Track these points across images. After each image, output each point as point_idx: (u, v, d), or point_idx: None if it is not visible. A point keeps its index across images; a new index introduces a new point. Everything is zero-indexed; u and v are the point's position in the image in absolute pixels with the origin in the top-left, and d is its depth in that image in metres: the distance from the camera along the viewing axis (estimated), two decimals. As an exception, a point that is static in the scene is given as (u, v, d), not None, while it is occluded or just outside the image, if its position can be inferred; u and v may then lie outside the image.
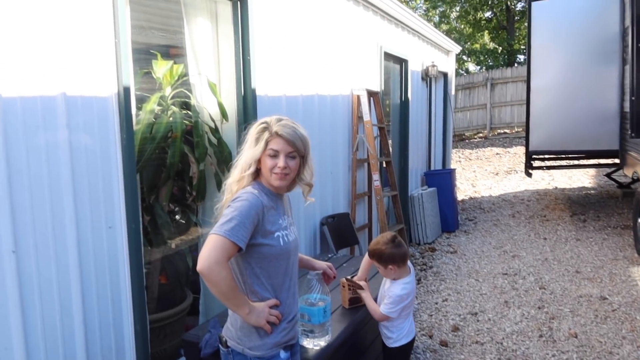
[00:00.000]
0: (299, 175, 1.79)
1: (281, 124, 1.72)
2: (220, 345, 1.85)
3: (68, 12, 2.11)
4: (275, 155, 1.71)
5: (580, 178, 10.48)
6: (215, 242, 1.58)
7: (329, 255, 3.88)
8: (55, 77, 2.07)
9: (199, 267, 1.56)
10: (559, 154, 7.85)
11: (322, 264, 2.19)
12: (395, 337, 2.59)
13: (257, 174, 1.77)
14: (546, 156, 7.99)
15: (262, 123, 1.75)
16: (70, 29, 2.12)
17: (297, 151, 1.73)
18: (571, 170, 10.27)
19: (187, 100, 3.22)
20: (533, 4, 7.20)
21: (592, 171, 10.74)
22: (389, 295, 2.52)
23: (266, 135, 1.72)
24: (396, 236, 2.51)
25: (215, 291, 1.60)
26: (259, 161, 1.74)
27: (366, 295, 2.65)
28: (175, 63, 3.15)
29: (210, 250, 1.56)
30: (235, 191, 1.75)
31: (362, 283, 2.67)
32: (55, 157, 2.08)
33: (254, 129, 1.76)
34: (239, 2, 3.18)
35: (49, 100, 2.05)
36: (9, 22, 1.90)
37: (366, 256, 2.67)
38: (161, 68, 3.06)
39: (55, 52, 2.06)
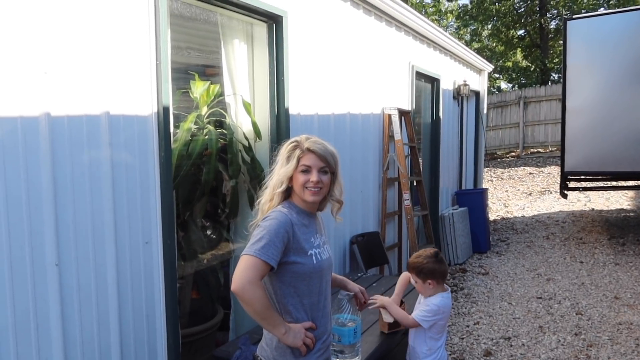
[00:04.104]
0: (329, 192, 1.82)
1: (311, 140, 1.76)
2: (254, 364, 1.86)
3: (113, 34, 2.21)
4: (307, 170, 1.73)
5: (619, 200, 10.13)
6: (247, 262, 1.60)
7: (359, 275, 3.86)
8: (99, 97, 2.16)
9: (233, 287, 1.59)
10: (595, 175, 7.63)
11: (355, 287, 2.18)
12: None
13: (288, 193, 1.80)
14: (582, 177, 7.78)
15: (293, 142, 1.79)
16: (115, 50, 2.22)
17: (329, 166, 1.76)
18: (608, 191, 9.95)
19: (222, 119, 3.30)
20: (569, 22, 7.09)
21: (630, 193, 10.38)
22: (426, 304, 2.42)
23: (297, 152, 1.75)
24: (439, 252, 2.47)
25: (251, 311, 1.62)
26: (290, 179, 1.76)
27: (389, 304, 2.49)
28: (211, 83, 3.24)
29: (243, 271, 1.59)
30: (266, 211, 1.78)
31: (378, 297, 2.50)
32: (98, 173, 2.16)
33: (284, 148, 1.79)
34: (274, 24, 3.26)
35: (93, 119, 2.14)
36: (56, 44, 2.00)
37: (402, 276, 2.62)
38: (198, 88, 3.15)
39: (100, 73, 2.16)
